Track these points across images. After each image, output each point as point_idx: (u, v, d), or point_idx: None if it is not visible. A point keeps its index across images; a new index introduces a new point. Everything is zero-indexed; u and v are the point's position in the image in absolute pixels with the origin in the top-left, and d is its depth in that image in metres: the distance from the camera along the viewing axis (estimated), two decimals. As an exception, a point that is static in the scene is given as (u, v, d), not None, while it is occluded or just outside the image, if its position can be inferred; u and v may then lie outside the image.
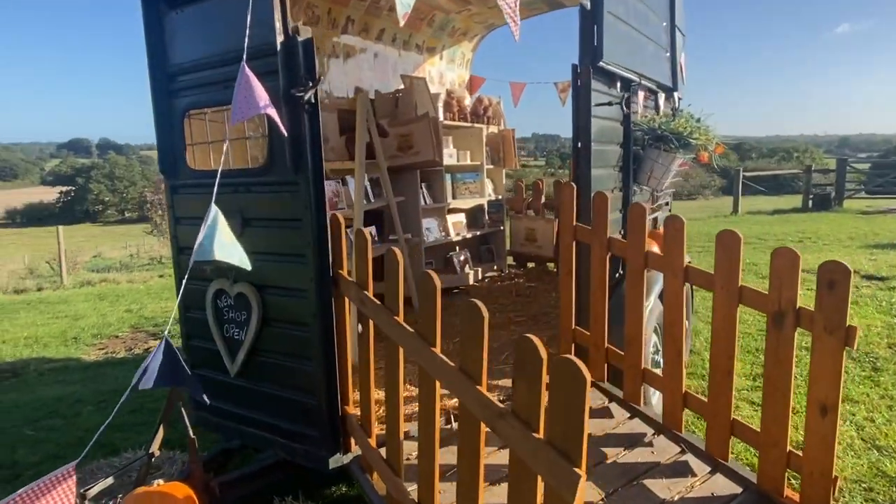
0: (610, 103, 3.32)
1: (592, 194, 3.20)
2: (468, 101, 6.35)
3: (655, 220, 4.99)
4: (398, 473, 2.18)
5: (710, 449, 2.68)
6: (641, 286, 2.97)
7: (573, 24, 3.29)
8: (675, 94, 5.09)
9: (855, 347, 2.19)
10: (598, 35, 3.18)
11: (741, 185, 18.24)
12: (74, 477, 1.89)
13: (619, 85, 3.68)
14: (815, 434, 2.27)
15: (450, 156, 5.78)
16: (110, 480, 2.22)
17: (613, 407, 3.15)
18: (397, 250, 2.20)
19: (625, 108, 3.38)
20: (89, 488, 2.10)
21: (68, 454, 4.05)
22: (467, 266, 5.91)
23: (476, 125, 6.02)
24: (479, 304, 1.70)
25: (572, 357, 1.36)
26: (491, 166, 6.31)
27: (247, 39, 2.11)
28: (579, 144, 3.30)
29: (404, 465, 2.29)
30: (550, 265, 6.24)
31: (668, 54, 4.59)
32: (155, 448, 2.29)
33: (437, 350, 1.90)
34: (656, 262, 2.88)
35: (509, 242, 6.73)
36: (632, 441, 2.86)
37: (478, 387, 1.65)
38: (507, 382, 3.32)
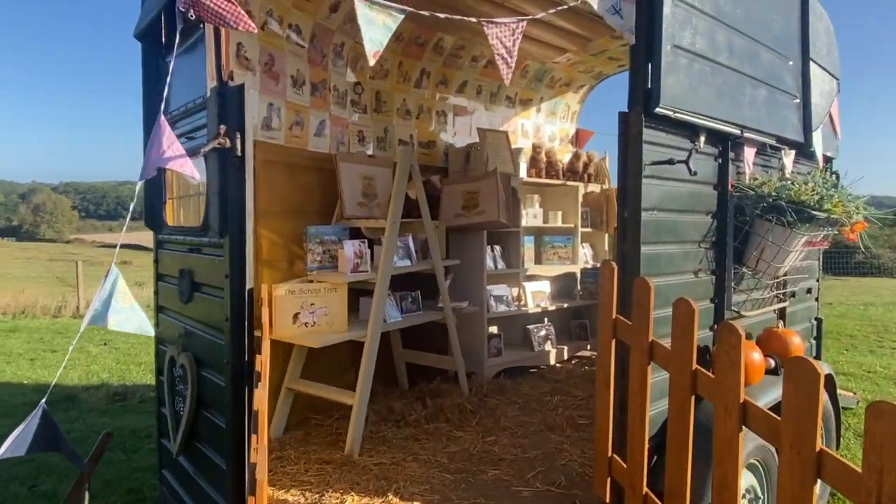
0: (671, 161, 2.53)
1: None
2: (567, 157, 5.73)
3: (783, 312, 3.83)
4: None
5: None
6: (687, 415, 2.09)
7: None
8: (818, 151, 3.95)
9: None
10: (655, 75, 2.46)
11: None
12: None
13: (702, 139, 2.85)
14: None
15: (534, 216, 5.19)
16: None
17: (646, 582, 2.24)
18: (262, 359, 1.72)
19: (690, 167, 2.55)
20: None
21: (100, 495, 4.12)
22: (549, 343, 5.14)
23: (570, 183, 5.35)
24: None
25: None
26: (589, 229, 5.55)
27: (167, 88, 1.88)
28: (626, 214, 2.54)
29: None
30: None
31: (796, 101, 3.56)
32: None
33: None
34: (706, 387, 2.00)
35: (609, 318, 5.79)
36: None
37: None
38: (513, 513, 2.58)
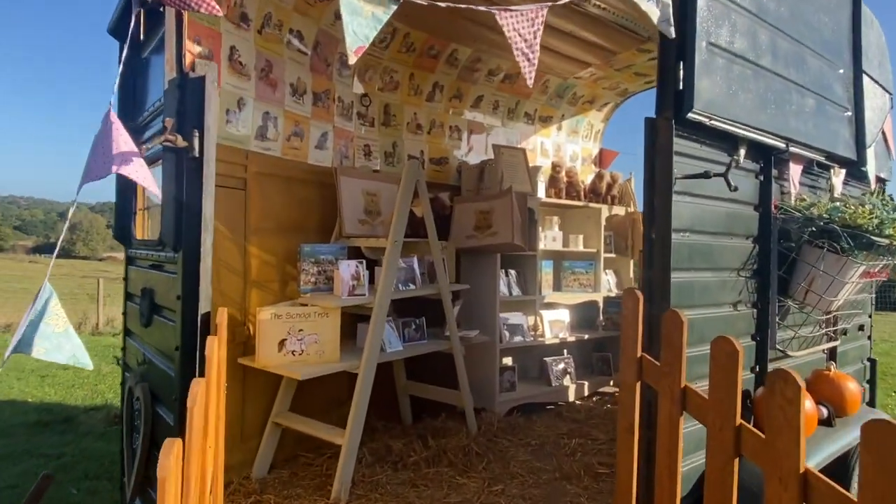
0: (707, 174, 2.18)
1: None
2: (589, 177, 5.39)
3: (833, 352, 3.39)
4: None
5: None
6: (729, 480, 1.70)
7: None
8: (871, 171, 3.54)
9: None
10: (688, 75, 2.14)
11: None
12: None
13: (742, 152, 2.49)
14: None
15: (553, 239, 4.84)
16: None
17: None
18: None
19: (730, 182, 2.19)
20: None
21: (78, 529, 3.83)
22: (567, 377, 4.74)
23: (592, 205, 5.00)
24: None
25: None
26: (612, 255, 5.16)
27: (118, 78, 1.63)
28: (653, 235, 2.19)
29: None
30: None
31: (848, 114, 3.18)
32: None
33: None
34: (753, 450, 1.62)
35: (634, 352, 5.35)
36: None
37: None
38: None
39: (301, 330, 2.91)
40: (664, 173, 2.14)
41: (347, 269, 3.11)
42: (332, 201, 3.61)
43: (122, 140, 1.60)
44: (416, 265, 3.59)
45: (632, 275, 5.35)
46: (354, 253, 3.53)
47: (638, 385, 2.16)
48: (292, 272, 3.39)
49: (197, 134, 1.74)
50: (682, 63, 2.14)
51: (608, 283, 5.18)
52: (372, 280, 3.36)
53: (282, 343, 2.89)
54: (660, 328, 2.11)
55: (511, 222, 3.92)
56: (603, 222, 5.02)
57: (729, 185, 2.20)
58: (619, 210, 5.22)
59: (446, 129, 4.59)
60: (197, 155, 1.76)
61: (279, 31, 3.28)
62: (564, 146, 5.51)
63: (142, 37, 2.34)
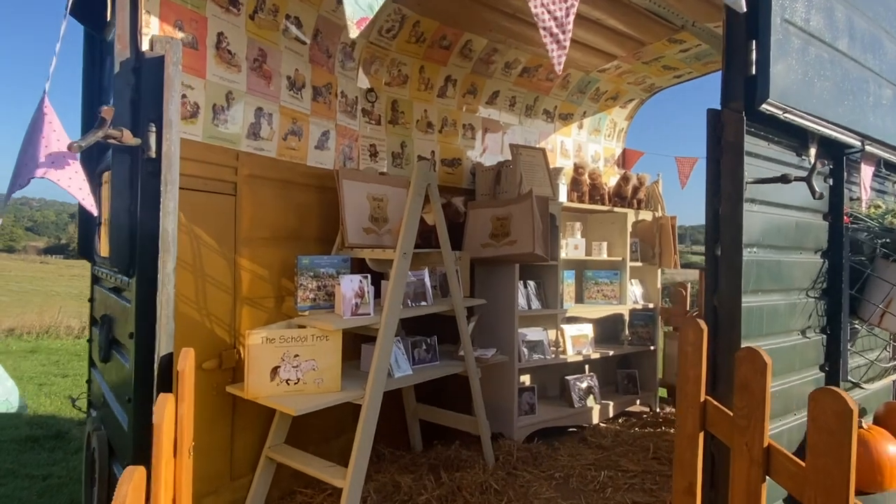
0: (786, 178, 1.80)
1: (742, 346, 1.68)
2: (613, 180, 5.00)
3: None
4: None
5: None
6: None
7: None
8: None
9: None
10: (762, 57, 1.75)
11: None
12: None
13: (812, 151, 2.10)
14: None
15: (576, 247, 4.46)
16: None
17: None
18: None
19: (814, 188, 1.81)
20: None
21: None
22: (591, 397, 4.35)
23: (617, 209, 4.61)
24: None
25: None
26: (639, 264, 4.77)
27: (55, 59, 1.28)
28: (718, 251, 1.81)
29: None
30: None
31: (925, 106, 2.77)
32: None
33: None
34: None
35: (662, 369, 4.97)
36: None
37: None
38: None
39: (297, 355, 2.55)
40: (732, 177, 1.76)
41: (350, 285, 2.74)
42: (333, 207, 3.26)
43: (55, 137, 1.24)
44: (426, 279, 3.22)
45: (659, 285, 4.96)
46: (358, 265, 3.17)
47: (701, 436, 1.77)
48: (289, 287, 3.03)
49: (154, 129, 1.38)
50: (754, 42, 1.75)
51: (634, 295, 4.78)
52: (378, 295, 3.00)
53: (275, 371, 2.53)
54: (725, 365, 1.73)
55: (532, 229, 3.55)
56: (629, 228, 4.62)
57: (813, 191, 1.81)
58: (645, 215, 4.83)
59: (459, 128, 4.22)
60: (154, 156, 1.40)
61: (274, 16, 2.93)
62: (586, 146, 5.13)
63: (108, 17, 2.00)
